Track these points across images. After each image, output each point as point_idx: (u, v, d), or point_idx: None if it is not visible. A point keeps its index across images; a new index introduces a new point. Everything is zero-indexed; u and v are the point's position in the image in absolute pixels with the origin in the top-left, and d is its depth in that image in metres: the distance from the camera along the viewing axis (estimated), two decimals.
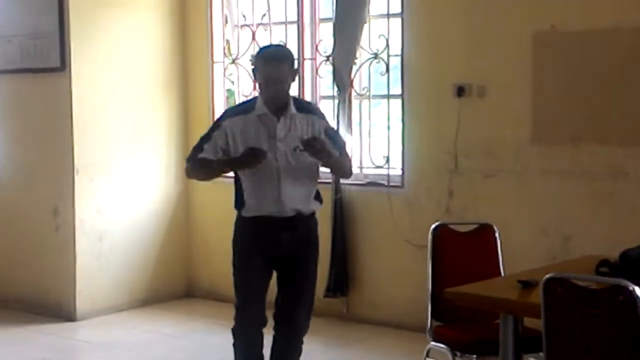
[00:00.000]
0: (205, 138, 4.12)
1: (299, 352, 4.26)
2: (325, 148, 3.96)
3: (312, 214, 4.20)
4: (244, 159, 3.98)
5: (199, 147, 4.12)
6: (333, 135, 4.19)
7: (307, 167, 4.09)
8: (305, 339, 5.68)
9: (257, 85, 4.34)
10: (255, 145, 3.99)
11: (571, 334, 3.06)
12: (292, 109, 4.04)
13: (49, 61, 6.28)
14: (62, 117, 6.28)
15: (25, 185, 6.58)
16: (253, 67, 4.18)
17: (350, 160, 4.35)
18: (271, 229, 4.08)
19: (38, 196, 6.49)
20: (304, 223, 4.15)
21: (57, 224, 6.39)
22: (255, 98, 4.14)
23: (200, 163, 4.10)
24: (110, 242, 6.51)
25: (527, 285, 3.50)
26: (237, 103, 6.26)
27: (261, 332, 4.15)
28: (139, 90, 6.65)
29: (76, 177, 6.26)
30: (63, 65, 6.21)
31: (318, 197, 4.24)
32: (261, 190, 4.06)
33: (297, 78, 4.25)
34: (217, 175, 4.20)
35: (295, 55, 6.25)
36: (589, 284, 3.09)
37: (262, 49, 4.24)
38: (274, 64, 3.94)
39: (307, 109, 4.15)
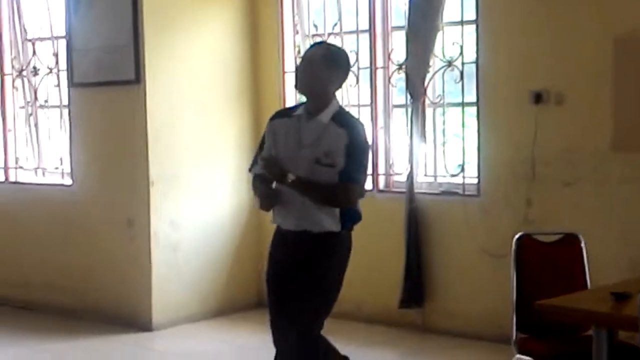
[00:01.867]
0: (260, 147, 4.12)
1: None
2: (274, 171, 3.82)
3: (326, 234, 3.92)
4: (260, 197, 3.99)
5: (255, 160, 4.11)
6: (351, 154, 3.83)
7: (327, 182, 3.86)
8: (380, 349, 5.69)
9: None
10: (281, 148, 3.91)
11: None
12: (326, 117, 3.85)
13: (123, 74, 6.34)
14: (136, 130, 6.34)
15: (101, 197, 6.65)
16: None
17: (347, 192, 3.88)
18: (281, 243, 4.08)
19: (113, 207, 6.56)
20: (314, 240, 3.93)
21: (132, 235, 6.45)
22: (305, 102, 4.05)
23: (254, 183, 4.10)
24: (184, 253, 6.55)
25: (620, 297, 3.40)
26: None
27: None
28: (211, 102, 6.69)
29: (151, 189, 6.31)
30: (137, 78, 6.27)
31: (345, 217, 3.96)
32: (282, 198, 3.97)
33: (343, 85, 4.04)
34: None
35: (367, 64, 6.39)
36: None
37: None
38: (308, 56, 3.91)
39: (344, 122, 3.88)
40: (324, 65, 3.84)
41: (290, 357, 4.06)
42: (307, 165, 3.84)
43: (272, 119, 4.09)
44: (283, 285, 4.05)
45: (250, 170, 4.20)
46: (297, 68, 3.97)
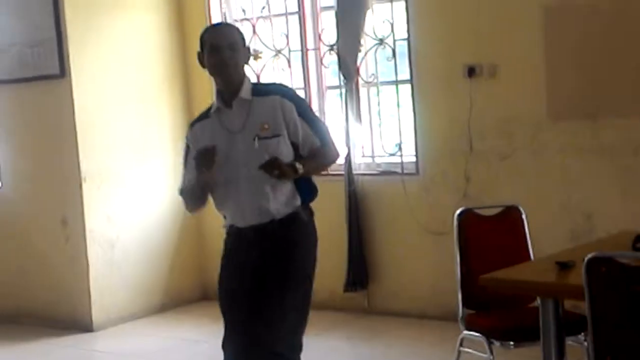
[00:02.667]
0: (184, 164, 3.74)
1: None
2: (286, 170, 3.46)
3: (291, 216, 3.61)
4: (196, 164, 3.54)
5: (183, 178, 3.73)
6: (309, 117, 3.61)
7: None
8: (328, 335, 5.61)
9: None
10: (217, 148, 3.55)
11: (617, 314, 2.94)
12: (246, 93, 3.56)
13: (48, 68, 6.15)
14: (65, 125, 6.15)
15: (32, 197, 6.45)
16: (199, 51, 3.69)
17: (332, 148, 3.70)
18: (241, 244, 3.63)
19: (46, 207, 6.37)
20: (281, 230, 3.58)
21: (67, 234, 6.27)
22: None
23: (187, 195, 3.72)
24: (122, 250, 6.39)
25: (565, 266, 3.37)
26: None
27: None
28: (141, 93, 6.52)
29: (84, 186, 6.14)
30: (62, 71, 6.08)
31: (301, 191, 3.64)
32: (227, 196, 3.63)
33: (249, 59, 3.77)
34: (205, 196, 3.71)
35: (298, 47, 6.29)
36: (629, 262, 2.97)
37: (205, 30, 3.75)
38: (225, 41, 3.53)
39: (265, 90, 3.62)
40: (242, 46, 3.61)
41: None
42: (245, 148, 3.54)
43: (191, 125, 3.76)
44: (252, 297, 3.58)
45: (181, 192, 3.77)
46: (213, 56, 3.56)
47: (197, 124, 3.72)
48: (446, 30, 5.65)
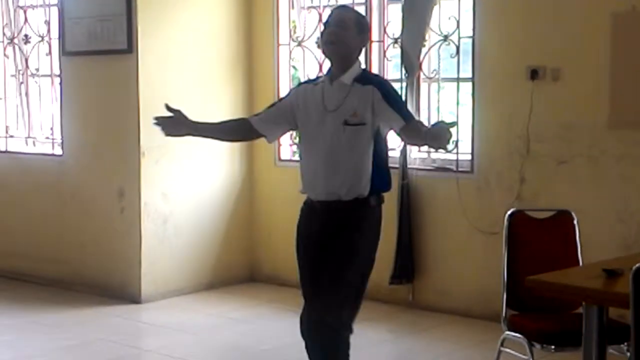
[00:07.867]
0: (272, 104, 4.09)
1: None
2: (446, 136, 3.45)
3: (358, 200, 3.73)
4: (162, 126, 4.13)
5: (260, 113, 4.07)
6: (393, 102, 3.69)
7: (359, 146, 3.69)
8: (371, 326, 5.64)
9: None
10: (304, 114, 3.79)
11: None
12: (349, 78, 3.71)
13: (116, 43, 6.27)
14: (128, 99, 6.27)
15: (92, 167, 6.59)
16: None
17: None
18: (309, 215, 3.84)
19: (104, 178, 6.50)
20: (345, 210, 3.73)
21: (123, 206, 6.39)
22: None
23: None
24: (175, 225, 6.49)
25: (612, 274, 3.35)
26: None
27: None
28: (204, 73, 6.61)
29: (142, 160, 6.25)
30: (130, 47, 6.19)
31: (379, 181, 3.80)
32: (307, 168, 3.82)
33: (363, 47, 3.92)
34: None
35: None
36: None
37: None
38: (339, 19, 3.73)
39: (368, 80, 3.75)
40: (355, 31, 3.76)
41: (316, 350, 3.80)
42: (334, 129, 3.70)
43: (299, 84, 4.04)
44: (314, 266, 3.80)
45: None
46: (325, 30, 3.78)
47: (304, 85, 3.99)
48: (512, 31, 5.63)
